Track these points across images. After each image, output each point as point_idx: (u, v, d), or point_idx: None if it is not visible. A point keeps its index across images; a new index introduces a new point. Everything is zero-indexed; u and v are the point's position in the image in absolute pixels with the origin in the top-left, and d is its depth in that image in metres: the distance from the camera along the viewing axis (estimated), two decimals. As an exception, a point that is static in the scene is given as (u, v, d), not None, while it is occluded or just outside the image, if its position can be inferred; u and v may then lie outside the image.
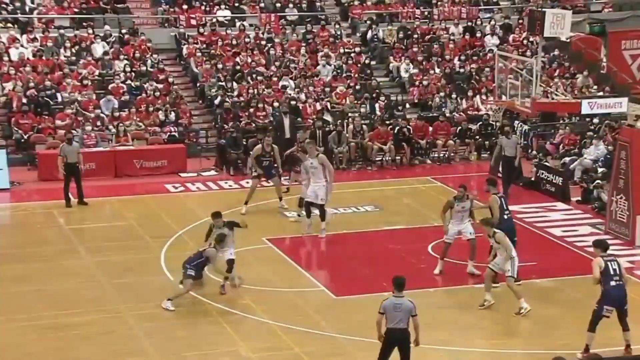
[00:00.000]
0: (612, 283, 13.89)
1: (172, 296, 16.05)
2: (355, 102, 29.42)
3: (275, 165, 22.32)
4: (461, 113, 29.62)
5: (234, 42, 31.47)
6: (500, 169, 24.40)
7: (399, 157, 27.22)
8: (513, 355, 14.61)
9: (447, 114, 29.05)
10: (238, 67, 30.35)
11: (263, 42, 31.79)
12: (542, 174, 24.27)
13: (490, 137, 27.93)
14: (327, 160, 20.51)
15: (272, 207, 22.11)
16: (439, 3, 35.39)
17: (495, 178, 18.12)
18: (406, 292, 16.08)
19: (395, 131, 27.28)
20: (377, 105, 29.47)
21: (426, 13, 34.88)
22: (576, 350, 14.05)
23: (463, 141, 28.11)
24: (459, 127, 28.24)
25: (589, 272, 17.75)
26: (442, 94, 30.01)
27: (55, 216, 22.05)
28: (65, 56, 29.94)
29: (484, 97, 30.18)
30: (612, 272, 13.94)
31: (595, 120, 27.45)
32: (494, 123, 28.27)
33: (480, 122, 28.48)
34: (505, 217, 17.17)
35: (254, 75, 29.99)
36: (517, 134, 25.56)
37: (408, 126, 27.57)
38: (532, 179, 24.35)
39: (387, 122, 27.90)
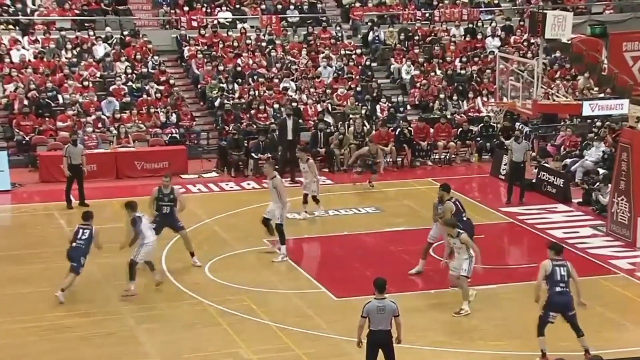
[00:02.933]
0: (557, 289, 13.79)
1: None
2: (357, 103, 29.39)
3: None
4: (462, 115, 29.60)
5: (235, 43, 31.46)
6: (506, 173, 24.38)
7: (400, 159, 27.19)
8: (513, 356, 14.58)
9: (448, 116, 29.02)
10: (239, 69, 30.34)
11: (264, 44, 31.78)
12: (543, 175, 24.25)
13: (492, 139, 27.91)
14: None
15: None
16: (439, 5, 35.37)
17: (449, 184, 18.02)
18: (406, 294, 16.09)
19: (397, 133, 27.26)
20: (378, 106, 29.45)
21: (427, 15, 34.86)
22: (577, 352, 14.02)
23: (464, 143, 28.07)
24: (460, 129, 28.21)
25: (591, 274, 17.96)
26: (443, 95, 29.98)
27: (56, 217, 22.03)
28: (66, 58, 29.94)
29: (485, 98, 30.17)
30: (558, 278, 13.80)
31: (599, 123, 27.37)
32: (495, 125, 28.25)
33: (482, 124, 28.45)
34: (464, 219, 17.28)
35: (255, 77, 29.98)
36: (527, 140, 25.38)
37: (409, 127, 27.55)
38: (533, 180, 24.32)
39: (388, 123, 27.87)
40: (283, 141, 25.85)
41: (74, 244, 16.37)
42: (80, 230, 16.42)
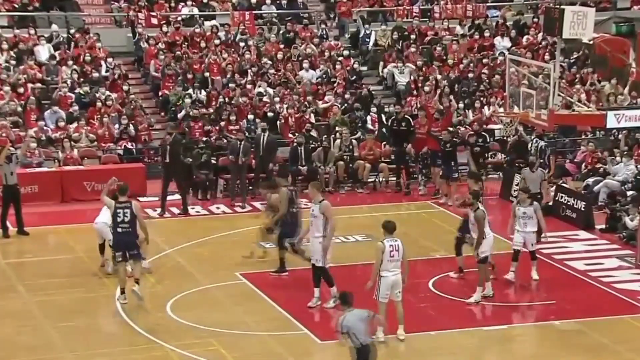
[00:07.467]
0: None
1: None
2: (344, 113, 29.37)
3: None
4: (467, 126, 29.71)
5: (202, 44, 31.54)
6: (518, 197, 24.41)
7: (394, 179, 27.18)
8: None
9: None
10: (206, 74, 30.38)
11: (237, 44, 31.88)
12: (562, 197, 24.33)
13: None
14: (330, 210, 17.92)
15: (246, 237, 22.04)
16: (440, -1, 35.66)
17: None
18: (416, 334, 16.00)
19: (389, 123, 27.49)
20: (369, 117, 29.54)
21: (426, 11, 35.08)
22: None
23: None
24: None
25: (617, 313, 18.03)
26: (447, 104, 29.98)
27: (-10, 248, 21.98)
28: (5, 61, 29.88)
29: (493, 107, 30.30)
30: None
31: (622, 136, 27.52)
32: (505, 138, 28.34)
33: (492, 137, 28.63)
34: (294, 210, 19.36)
35: (225, 83, 30.03)
36: (543, 156, 25.45)
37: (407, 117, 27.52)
38: (550, 203, 24.39)
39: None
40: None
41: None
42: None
